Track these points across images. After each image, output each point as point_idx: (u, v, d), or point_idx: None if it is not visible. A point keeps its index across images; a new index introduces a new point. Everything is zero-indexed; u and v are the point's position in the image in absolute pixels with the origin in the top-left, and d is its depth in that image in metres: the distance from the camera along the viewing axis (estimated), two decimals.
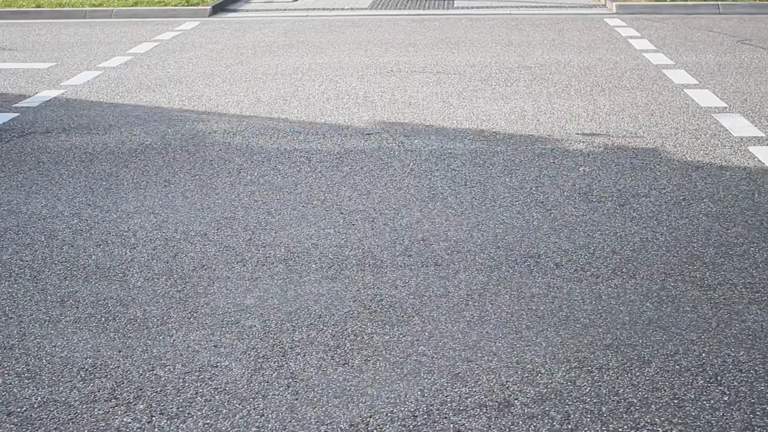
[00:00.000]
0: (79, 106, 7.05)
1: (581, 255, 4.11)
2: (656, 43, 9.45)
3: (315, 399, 2.98)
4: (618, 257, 4.08)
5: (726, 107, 6.74)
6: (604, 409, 2.90)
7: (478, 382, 3.06)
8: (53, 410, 2.95)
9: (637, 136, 6.02)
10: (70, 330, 3.48)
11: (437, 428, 2.81)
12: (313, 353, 3.27)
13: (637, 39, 9.71)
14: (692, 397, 2.96)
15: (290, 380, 3.09)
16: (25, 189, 5.15)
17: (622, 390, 3.00)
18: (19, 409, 2.95)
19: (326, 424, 2.84)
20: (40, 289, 3.86)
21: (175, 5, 12.35)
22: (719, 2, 11.99)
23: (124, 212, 4.76)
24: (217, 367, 3.19)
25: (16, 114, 6.83)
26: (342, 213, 4.68)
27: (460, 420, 2.85)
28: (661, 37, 9.79)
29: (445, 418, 2.86)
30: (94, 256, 4.19)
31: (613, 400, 2.94)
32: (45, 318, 3.59)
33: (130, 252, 4.23)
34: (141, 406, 2.96)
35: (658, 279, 3.85)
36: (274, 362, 3.21)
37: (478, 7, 12.48)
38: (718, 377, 3.07)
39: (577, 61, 8.56)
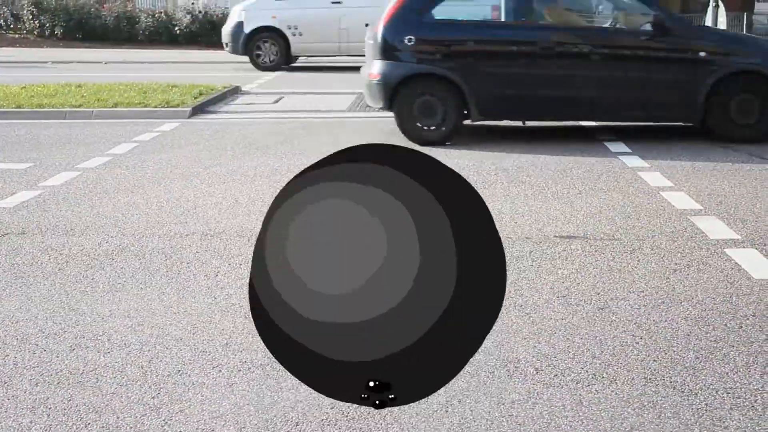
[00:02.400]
0: (56, 208, 7.03)
1: (561, 359, 4.07)
2: (631, 145, 9.57)
3: None
4: (598, 362, 4.05)
5: (701, 209, 6.80)
6: None
7: None
8: None
9: (615, 238, 6.05)
10: None
11: None
12: None
13: (613, 142, 9.83)
14: None
15: None
16: None
17: None
18: None
19: None
20: (11, 395, 3.78)
21: (155, 106, 12.45)
22: None
23: (99, 315, 4.70)
24: None
25: None
26: None
27: None
28: (636, 140, 9.93)
29: None
30: (66, 361, 4.12)
31: None
32: (15, 426, 3.51)
33: (104, 357, 4.16)
34: None
35: (639, 384, 3.82)
36: None
37: None
38: None
39: (553, 163, 8.65)
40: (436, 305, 1.98)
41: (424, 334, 2.00)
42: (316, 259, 1.93)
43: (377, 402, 2.01)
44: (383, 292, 1.89)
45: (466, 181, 2.05)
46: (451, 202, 1.99)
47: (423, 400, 3.60)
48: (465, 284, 1.99)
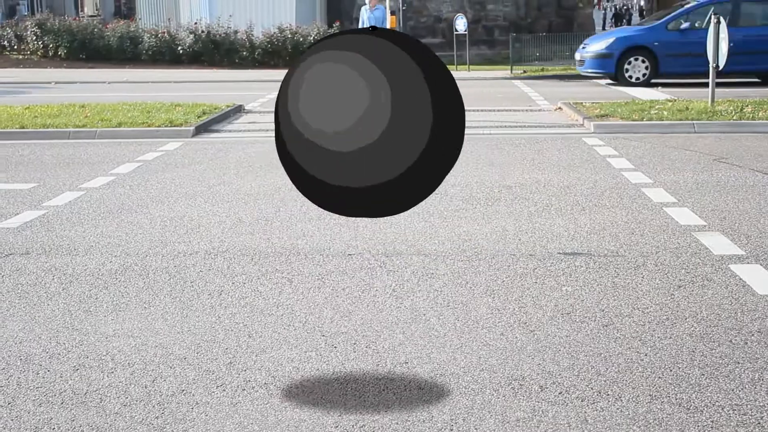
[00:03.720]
0: (60, 227, 7.03)
1: (566, 377, 4.06)
2: (634, 161, 9.58)
3: None
4: (603, 379, 4.04)
5: (705, 225, 6.79)
6: None
7: None
8: None
9: (619, 254, 6.04)
10: None
11: None
12: None
13: (616, 158, 9.85)
14: None
15: None
16: (1, 312, 5.09)
17: None
18: None
19: None
20: (14, 416, 3.77)
21: (159, 126, 12.48)
22: (694, 122, 12.24)
23: (103, 335, 4.70)
24: None
25: None
26: (324, 335, 4.63)
27: None
28: (639, 156, 9.94)
29: None
30: (70, 381, 4.11)
31: None
32: None
33: (108, 377, 4.16)
34: None
35: (645, 401, 3.80)
36: None
37: None
38: None
39: (557, 180, 8.65)
40: (417, 145, 2.68)
41: (408, 167, 2.70)
42: (326, 104, 2.54)
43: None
44: (372, 129, 2.52)
45: (437, 57, 3.03)
46: (430, 71, 2.70)
47: (428, 417, 3.58)
48: (438, 129, 2.67)
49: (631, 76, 19.31)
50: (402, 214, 4.70)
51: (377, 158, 2.53)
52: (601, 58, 19.42)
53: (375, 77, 2.40)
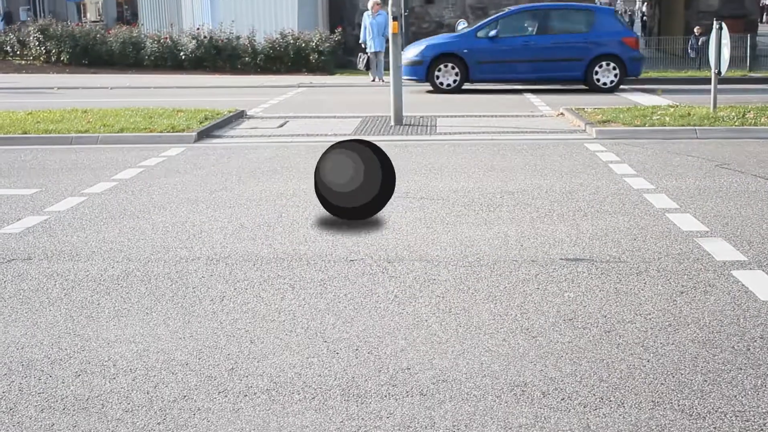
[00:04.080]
0: (62, 233, 7.03)
1: (568, 383, 4.06)
2: (636, 167, 9.58)
3: None
4: (605, 385, 4.03)
5: (708, 231, 6.79)
6: None
7: None
8: None
9: (621, 260, 6.03)
10: None
11: None
12: None
13: (618, 164, 9.85)
14: None
15: None
16: (3, 317, 5.09)
17: None
18: None
19: None
20: (16, 422, 3.77)
21: (161, 131, 12.48)
22: (696, 127, 12.23)
23: (105, 340, 4.69)
24: None
25: None
26: (326, 341, 4.63)
27: None
28: (641, 162, 9.94)
29: None
30: (72, 387, 4.11)
31: None
32: None
33: (110, 382, 4.15)
34: None
35: (647, 408, 3.80)
36: None
37: (460, 133, 12.68)
38: None
39: (559, 185, 8.65)
40: (373, 190, 6.69)
41: (371, 198, 6.64)
42: (335, 174, 6.59)
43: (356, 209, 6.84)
44: (358, 186, 6.64)
45: (381, 150, 6.97)
46: (379, 155, 6.80)
47: (430, 424, 3.58)
48: (384, 183, 6.60)
49: (441, 83, 19.66)
50: (404, 220, 7.30)
51: (358, 195, 6.14)
52: (414, 65, 19.75)
53: (357, 162, 6.32)
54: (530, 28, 19.56)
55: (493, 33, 19.56)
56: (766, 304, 5.13)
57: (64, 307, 5.26)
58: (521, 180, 8.98)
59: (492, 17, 20.41)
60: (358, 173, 6.69)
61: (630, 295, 5.30)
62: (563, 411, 3.78)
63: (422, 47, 19.99)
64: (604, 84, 19.30)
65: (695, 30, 27.53)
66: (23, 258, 6.33)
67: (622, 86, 19.59)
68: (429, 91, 19.65)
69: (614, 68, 19.30)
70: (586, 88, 19.52)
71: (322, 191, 6.86)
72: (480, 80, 19.82)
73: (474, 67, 19.48)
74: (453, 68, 19.52)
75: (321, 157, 6.62)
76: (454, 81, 19.53)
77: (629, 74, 19.60)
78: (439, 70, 19.54)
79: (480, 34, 19.70)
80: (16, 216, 7.65)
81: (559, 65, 19.36)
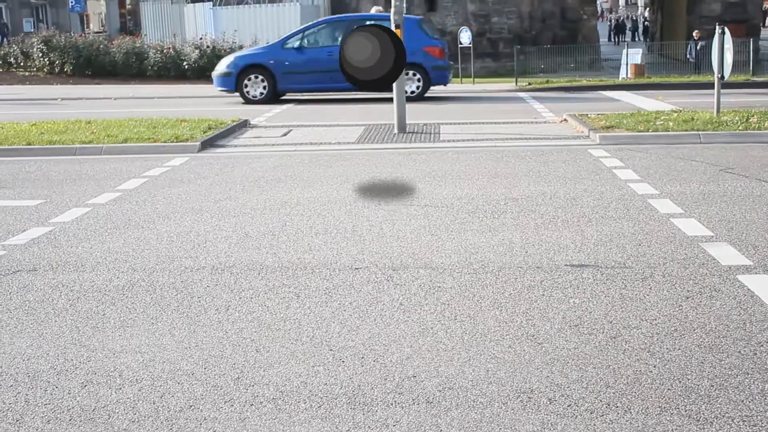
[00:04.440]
0: (67, 244, 7.04)
1: (575, 389, 4.05)
2: (640, 173, 9.57)
3: None
4: (612, 391, 4.02)
5: (712, 236, 6.78)
6: None
7: None
8: None
9: (626, 266, 6.03)
10: None
11: None
12: None
13: (622, 169, 9.84)
14: None
15: None
16: (9, 328, 5.09)
17: None
18: None
19: None
20: None
21: (165, 141, 12.51)
22: (700, 132, 12.23)
23: (111, 351, 4.70)
24: None
25: (3, 252, 6.81)
26: (331, 350, 4.63)
27: None
28: (645, 167, 9.93)
29: None
30: (78, 398, 4.11)
31: None
32: None
33: (116, 393, 4.15)
34: None
35: (654, 413, 3.79)
36: None
37: (463, 140, 12.68)
38: None
39: (563, 192, 8.65)
40: (390, 63, 5.44)
41: (390, 67, 5.42)
42: (357, 50, 5.46)
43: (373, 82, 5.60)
44: (377, 58, 5.44)
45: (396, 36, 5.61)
46: (392, 36, 5.39)
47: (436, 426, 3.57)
48: (396, 60, 5.30)
49: (249, 93, 20.01)
50: (408, 228, 7.17)
51: (376, 68, 5.50)
52: (224, 77, 20.17)
53: (373, 40, 5.59)
54: (335, 39, 19.96)
55: (298, 44, 19.99)
56: None
57: (70, 317, 5.26)
58: (525, 186, 8.98)
59: (299, 29, 20.97)
60: (375, 51, 7.18)
61: (635, 301, 5.30)
62: (570, 417, 3.77)
63: (232, 59, 20.49)
64: (408, 93, 19.31)
65: (694, 34, 27.56)
66: (28, 269, 6.34)
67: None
68: (244, 102, 20.00)
69: (418, 78, 19.63)
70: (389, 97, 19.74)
71: (345, 67, 7.38)
72: (287, 90, 20.28)
73: (281, 78, 19.85)
74: (261, 79, 19.90)
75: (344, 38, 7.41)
76: (262, 92, 19.91)
77: (434, 83, 19.96)
78: (249, 80, 19.93)
79: (287, 45, 20.13)
80: (21, 227, 7.66)
81: None
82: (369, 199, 8.42)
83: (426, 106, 18.36)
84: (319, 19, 21.27)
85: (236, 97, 20.38)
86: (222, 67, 20.38)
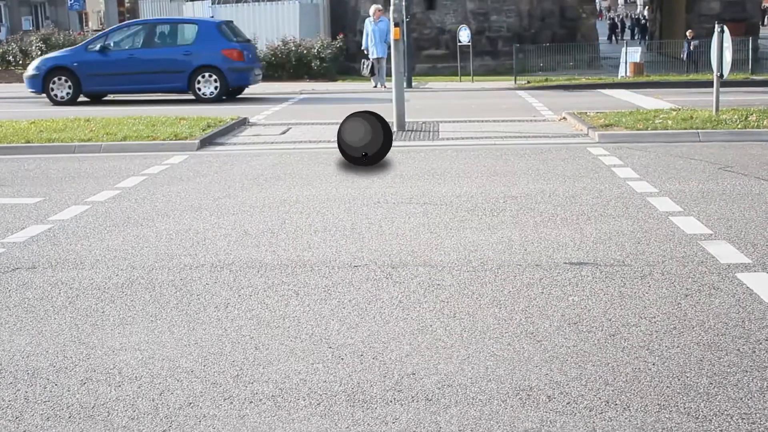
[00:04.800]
0: (66, 241, 7.04)
1: (573, 387, 4.05)
2: (639, 171, 9.58)
3: None
4: (611, 388, 4.03)
5: (711, 234, 6.78)
6: None
7: None
8: None
9: (625, 264, 6.03)
10: None
11: None
12: None
13: (621, 167, 9.85)
14: None
15: None
16: (9, 326, 5.09)
17: None
18: None
19: None
20: (22, 430, 3.77)
21: (164, 139, 12.50)
22: (699, 131, 12.23)
23: (110, 348, 4.70)
24: None
25: (3, 250, 6.81)
26: (330, 347, 4.63)
27: None
28: (644, 166, 9.93)
29: None
30: (78, 395, 4.11)
31: None
32: None
33: (115, 390, 4.16)
34: None
35: (653, 411, 3.79)
36: None
37: (463, 138, 12.68)
38: None
39: (562, 190, 8.65)
40: (378, 144, 9.73)
41: (377, 150, 9.70)
42: (350, 132, 9.61)
43: (365, 158, 9.93)
44: (368, 140, 9.68)
45: (384, 119, 10.11)
46: (382, 122, 9.72)
47: (436, 429, 3.58)
48: (384, 141, 9.59)
49: (56, 95, 20.19)
50: (407, 225, 7.32)
51: (366, 148, 8.34)
52: (33, 78, 20.44)
53: (366, 126, 8.84)
54: (137, 42, 20.34)
55: (99, 47, 20.24)
56: None
57: (69, 315, 5.26)
58: (524, 184, 8.98)
59: (103, 32, 21.57)
60: (367, 134, 9.78)
61: (634, 299, 5.30)
62: (569, 415, 3.77)
63: (38, 61, 20.87)
64: (207, 94, 19.98)
65: (687, 33, 27.57)
66: (28, 267, 6.34)
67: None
68: (52, 104, 20.14)
69: (215, 79, 19.96)
70: (194, 98, 20.13)
71: (342, 147, 10.13)
72: (92, 92, 20.56)
73: (85, 80, 20.07)
74: (66, 81, 20.10)
75: (341, 124, 10.08)
76: (68, 93, 20.13)
77: (233, 85, 20.31)
78: (54, 83, 20.14)
79: (90, 47, 20.39)
80: (20, 225, 7.66)
81: (162, 77, 20.05)
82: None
83: (425, 105, 18.35)
84: (124, 23, 21.89)
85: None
86: (30, 69, 20.72)
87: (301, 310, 5.24)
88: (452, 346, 4.59)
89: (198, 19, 22.87)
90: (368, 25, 22.75)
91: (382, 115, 10.35)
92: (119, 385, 4.21)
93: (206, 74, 19.90)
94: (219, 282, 5.85)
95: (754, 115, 13.41)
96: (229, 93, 20.51)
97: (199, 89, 19.94)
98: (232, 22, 22.47)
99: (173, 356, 4.56)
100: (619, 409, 3.82)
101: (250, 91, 21.60)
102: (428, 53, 29.12)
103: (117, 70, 19.90)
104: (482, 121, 14.81)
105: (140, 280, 5.93)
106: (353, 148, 9.86)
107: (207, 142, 12.65)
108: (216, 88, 19.94)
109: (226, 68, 19.89)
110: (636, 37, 52.44)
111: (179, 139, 12.49)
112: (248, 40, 22.15)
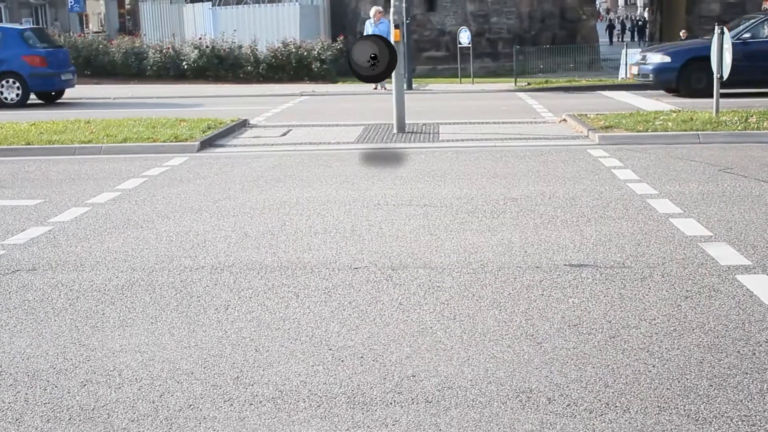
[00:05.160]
0: (66, 243, 7.04)
1: (573, 389, 4.05)
2: (639, 173, 9.58)
3: None
4: (611, 391, 4.03)
5: (711, 236, 6.78)
6: None
7: None
8: None
9: (625, 266, 6.03)
10: None
11: None
12: None
13: (621, 169, 9.85)
14: None
15: None
16: (9, 328, 5.09)
17: None
18: None
19: None
20: None
21: (164, 141, 12.50)
22: (699, 132, 12.23)
23: (110, 350, 4.70)
24: None
25: (3, 251, 6.81)
26: (331, 349, 4.63)
27: None
28: (644, 167, 9.94)
29: None
30: (78, 397, 4.11)
31: None
32: None
33: (115, 392, 4.16)
34: None
35: (653, 413, 3.79)
36: None
37: (463, 140, 12.68)
38: None
39: (562, 192, 8.65)
40: (386, 62, 10.86)
41: (385, 67, 10.89)
42: (361, 53, 10.71)
43: (373, 62, 11.01)
44: (376, 58, 10.76)
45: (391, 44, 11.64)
46: (388, 44, 11.00)
47: (436, 431, 3.58)
48: (390, 59, 10.82)
49: (6, 98, 20.48)
50: (407, 227, 7.26)
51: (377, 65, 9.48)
52: None
53: (372, 46, 10.01)
54: None
55: None
56: None
57: (69, 317, 5.26)
58: (524, 186, 8.98)
59: None
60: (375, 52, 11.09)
61: (634, 301, 5.30)
62: (569, 417, 3.77)
63: None
64: (10, 99, 20.39)
65: (681, 34, 27.56)
66: (28, 269, 6.34)
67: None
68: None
69: (17, 85, 20.45)
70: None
71: (352, 66, 11.27)
72: None
73: None
74: (14, 83, 20.53)
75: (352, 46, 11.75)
76: (17, 95, 20.57)
77: (36, 89, 20.88)
78: (2, 86, 20.52)
79: None
80: (20, 227, 7.66)
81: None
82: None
83: (425, 106, 18.35)
84: None
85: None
86: None
87: (301, 312, 5.24)
88: (452, 348, 4.59)
89: (2, 26, 23.16)
90: (368, 27, 22.74)
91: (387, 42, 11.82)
92: (119, 387, 4.21)
93: (9, 80, 20.38)
94: (219, 284, 5.85)
95: (754, 116, 13.41)
96: (50, 98, 21.28)
97: (2, 93, 20.41)
98: (44, 29, 23.13)
99: (173, 358, 4.56)
100: (619, 411, 3.82)
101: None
102: (428, 55, 29.12)
103: None
104: (482, 123, 14.81)
105: (140, 282, 5.93)
106: (362, 68, 11.20)
107: (207, 144, 12.65)
108: (17, 94, 20.44)
109: (27, 74, 20.38)
110: (635, 39, 52.49)
111: (179, 141, 12.49)
112: (60, 46, 22.76)
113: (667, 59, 19.58)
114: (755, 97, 18.58)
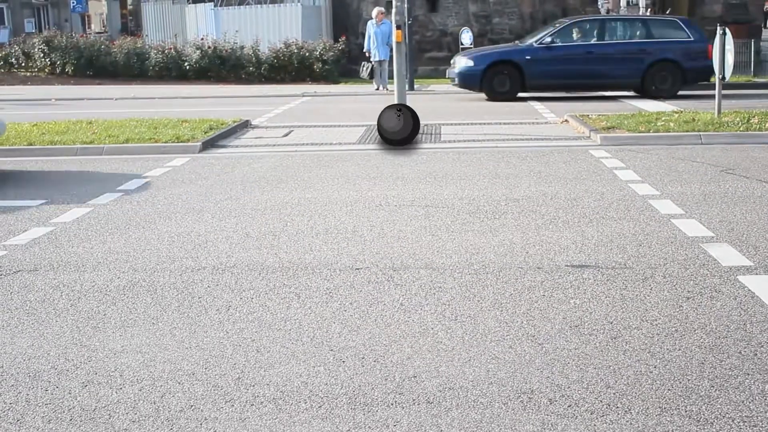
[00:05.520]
0: (68, 244, 7.05)
1: (575, 390, 4.05)
2: (641, 173, 9.57)
3: None
4: (612, 391, 4.03)
5: (713, 237, 6.78)
6: None
7: None
8: None
9: (627, 267, 6.03)
10: None
11: None
12: None
13: (623, 170, 9.84)
14: None
15: None
16: (10, 328, 5.09)
17: None
18: None
19: None
20: None
21: (166, 142, 12.50)
22: (701, 133, 12.23)
23: (111, 351, 4.70)
24: None
25: (4, 252, 6.82)
26: (332, 350, 4.63)
27: None
28: (646, 168, 9.93)
29: None
30: (79, 398, 4.11)
31: None
32: None
33: (117, 393, 4.16)
34: None
35: (654, 414, 3.79)
36: None
37: (464, 141, 12.68)
38: None
39: (564, 192, 8.65)
40: (408, 131, 12.04)
41: (407, 134, 11.97)
42: (388, 120, 11.90)
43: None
44: (401, 128, 11.93)
45: (413, 110, 12.52)
46: (412, 112, 12.03)
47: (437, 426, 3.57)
48: (413, 128, 11.87)
49: None
50: (409, 228, 7.29)
51: (400, 132, 10.48)
52: None
53: (398, 114, 11.09)
54: None
55: None
56: None
57: (71, 317, 5.27)
58: (526, 187, 8.98)
59: None
60: (400, 121, 11.87)
61: (636, 301, 5.30)
62: (570, 418, 3.77)
63: None
64: None
65: None
66: (29, 269, 6.34)
67: None
68: None
69: None
70: None
71: (381, 132, 12.27)
72: None
73: None
74: None
75: (380, 115, 12.30)
76: None
77: None
78: None
79: None
80: (22, 227, 7.66)
81: None
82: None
83: (427, 107, 18.35)
84: None
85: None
86: None
87: (303, 312, 5.24)
88: (453, 349, 4.59)
89: None
90: (370, 28, 22.75)
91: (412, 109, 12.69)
92: (120, 388, 4.21)
93: None
94: (220, 285, 5.85)
95: (756, 117, 13.40)
96: None
97: None
98: None
99: (174, 359, 4.56)
100: (620, 412, 3.82)
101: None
102: (430, 56, 29.10)
103: None
104: (484, 124, 14.80)
105: (142, 283, 5.93)
106: (390, 132, 12.37)
107: (209, 145, 12.65)
108: None
109: None
110: None
111: (181, 142, 12.49)
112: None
113: (471, 63, 20.04)
114: (757, 98, 18.56)
